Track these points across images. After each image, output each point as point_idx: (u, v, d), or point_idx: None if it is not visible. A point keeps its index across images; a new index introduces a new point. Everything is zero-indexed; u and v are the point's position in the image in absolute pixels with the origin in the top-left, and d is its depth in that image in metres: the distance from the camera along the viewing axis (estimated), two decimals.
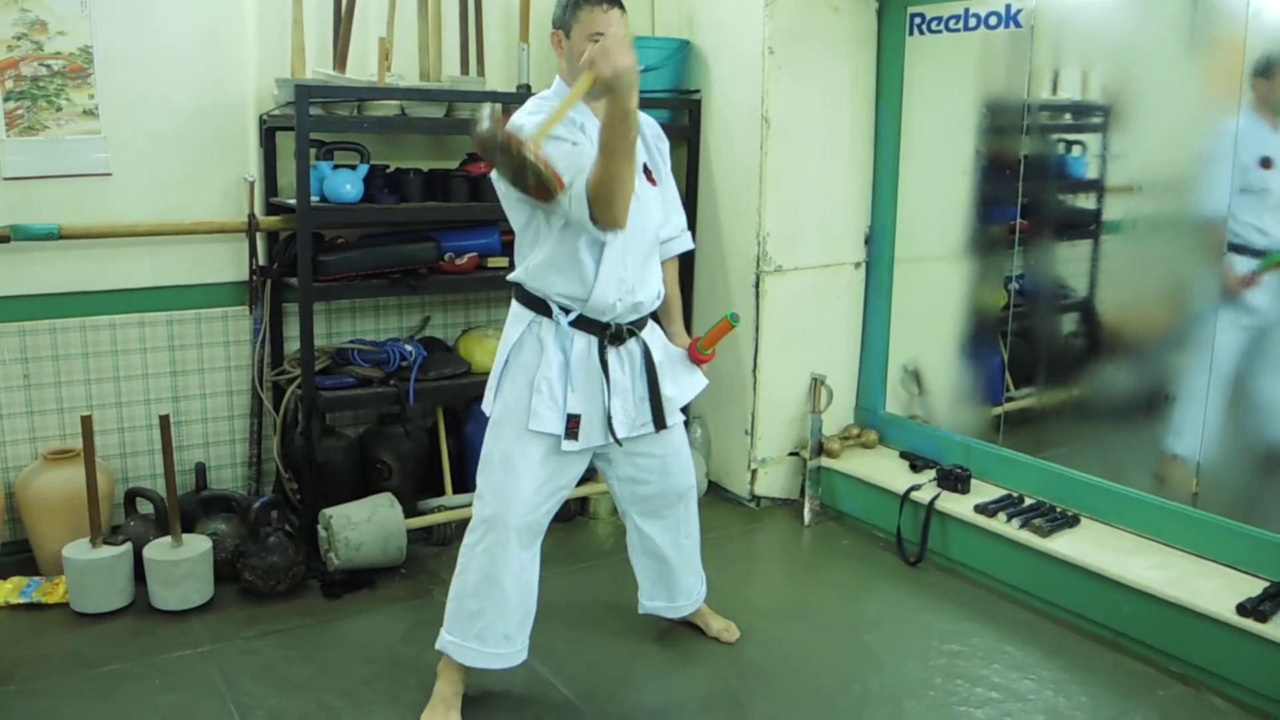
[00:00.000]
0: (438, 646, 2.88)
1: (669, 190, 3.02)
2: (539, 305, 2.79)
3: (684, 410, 3.04)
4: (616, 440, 2.81)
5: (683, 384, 3.01)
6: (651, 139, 2.93)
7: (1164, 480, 3.55)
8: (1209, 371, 3.36)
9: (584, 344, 2.78)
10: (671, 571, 3.20)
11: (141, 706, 2.88)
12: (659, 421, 2.89)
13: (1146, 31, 3.51)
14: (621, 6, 2.75)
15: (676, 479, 3.07)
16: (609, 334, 2.79)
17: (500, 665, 2.86)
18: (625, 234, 2.70)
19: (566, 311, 2.76)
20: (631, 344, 2.84)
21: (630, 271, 2.77)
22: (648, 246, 2.85)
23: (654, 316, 2.98)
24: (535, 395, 2.75)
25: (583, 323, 2.77)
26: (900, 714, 2.92)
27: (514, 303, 2.86)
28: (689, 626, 3.34)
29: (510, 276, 2.85)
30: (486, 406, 2.88)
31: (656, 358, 2.89)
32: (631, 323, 2.83)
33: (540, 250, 2.73)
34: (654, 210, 2.87)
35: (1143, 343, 3.73)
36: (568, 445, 2.77)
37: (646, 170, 2.86)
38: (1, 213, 3.54)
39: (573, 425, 2.76)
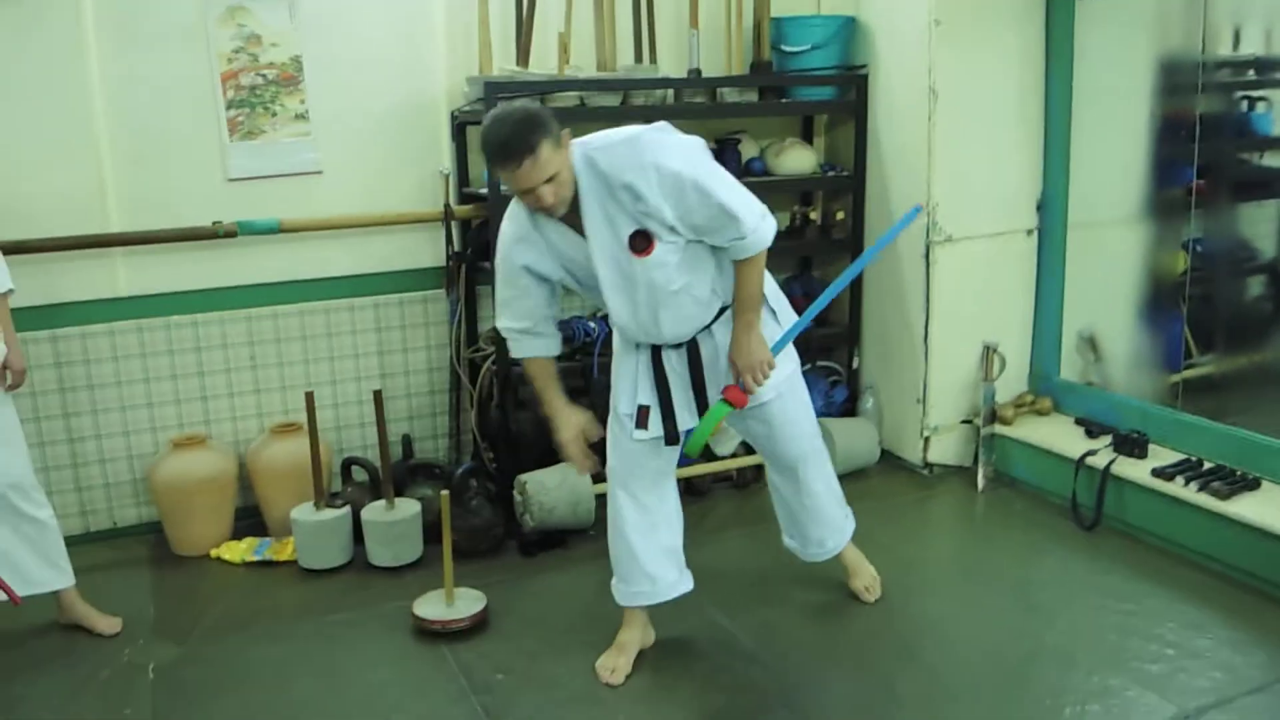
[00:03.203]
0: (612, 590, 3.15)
1: (701, 213, 2.67)
2: None
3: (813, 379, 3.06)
4: (674, 438, 2.97)
5: None
6: (642, 194, 2.62)
7: None
8: None
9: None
10: (796, 520, 3.32)
11: (367, 649, 3.22)
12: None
13: None
14: (520, 157, 2.50)
15: (783, 449, 3.15)
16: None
17: (642, 602, 3.10)
18: (619, 300, 2.78)
19: None
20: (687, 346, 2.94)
21: (646, 321, 2.83)
22: (662, 297, 2.78)
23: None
24: (618, 381, 2.99)
25: None
26: (1072, 666, 2.99)
27: None
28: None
29: None
30: None
31: (716, 352, 2.93)
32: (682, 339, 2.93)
33: None
34: (653, 275, 2.73)
35: None
36: (638, 434, 2.97)
37: (636, 238, 2.69)
38: (229, 210, 3.93)
39: (643, 414, 2.96)
